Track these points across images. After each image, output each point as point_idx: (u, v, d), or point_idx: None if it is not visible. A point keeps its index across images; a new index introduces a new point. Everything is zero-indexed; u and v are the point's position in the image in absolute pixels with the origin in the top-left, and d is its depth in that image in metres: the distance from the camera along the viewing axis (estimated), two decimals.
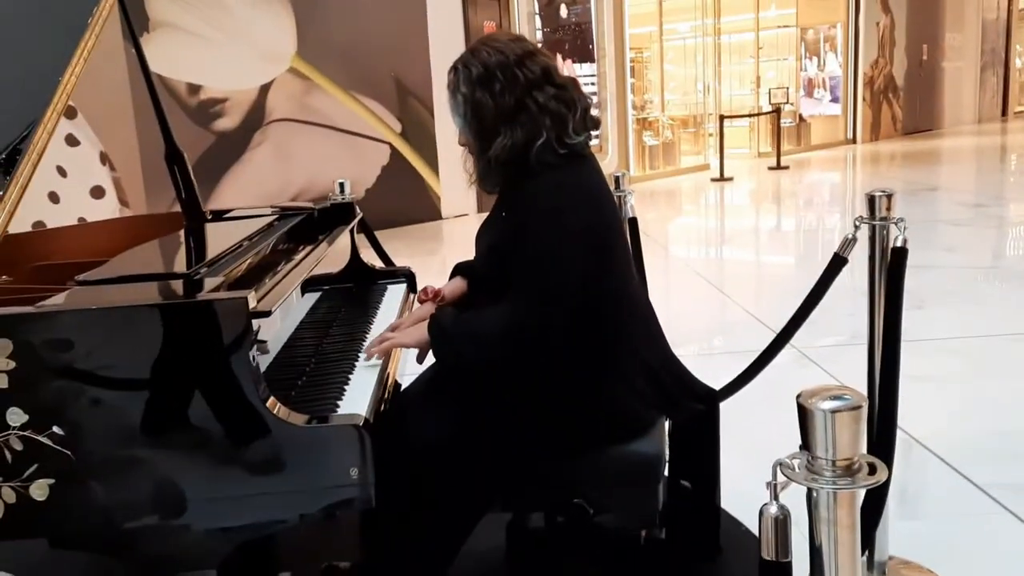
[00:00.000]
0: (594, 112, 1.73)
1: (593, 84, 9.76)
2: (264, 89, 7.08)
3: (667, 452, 1.76)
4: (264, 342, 1.45)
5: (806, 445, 1.04)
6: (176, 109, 6.43)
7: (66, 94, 1.60)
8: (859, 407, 1.01)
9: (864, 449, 1.07)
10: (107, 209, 5.38)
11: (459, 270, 1.92)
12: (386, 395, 1.63)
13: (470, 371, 1.66)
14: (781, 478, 1.07)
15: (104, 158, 5.24)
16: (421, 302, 1.86)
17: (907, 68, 14.88)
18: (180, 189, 2.27)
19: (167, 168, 2.26)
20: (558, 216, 1.59)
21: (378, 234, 2.92)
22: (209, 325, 1.32)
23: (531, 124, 1.62)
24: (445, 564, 1.65)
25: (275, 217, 2.17)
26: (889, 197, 1.83)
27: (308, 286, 1.88)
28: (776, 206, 9.04)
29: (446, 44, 7.29)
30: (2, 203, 1.44)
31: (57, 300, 1.41)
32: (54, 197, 4.99)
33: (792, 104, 12.85)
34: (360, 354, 1.78)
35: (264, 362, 1.45)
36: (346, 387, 1.60)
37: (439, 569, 1.65)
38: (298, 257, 1.87)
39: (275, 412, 1.33)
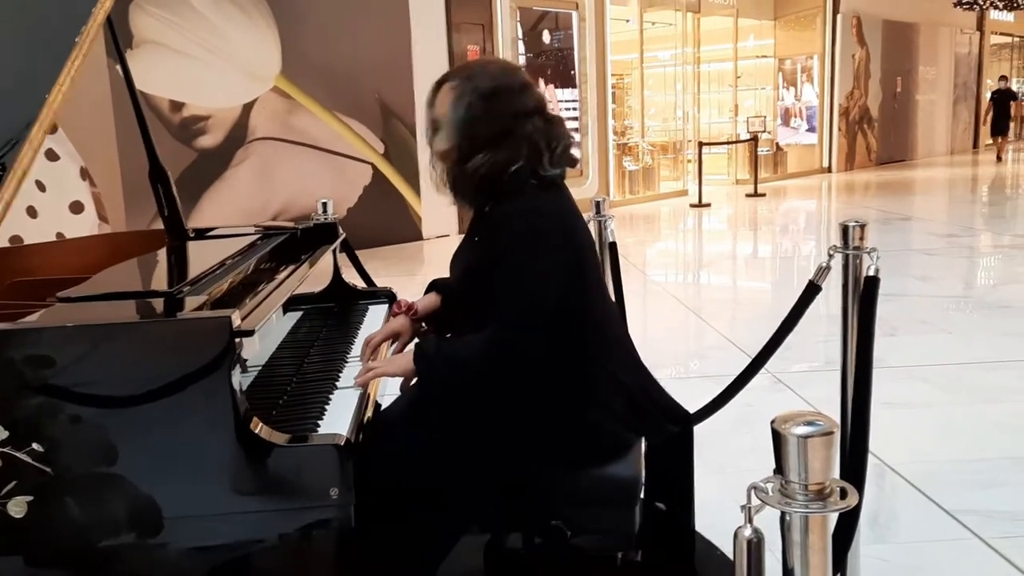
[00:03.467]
0: (574, 152, 1.77)
1: (575, 109, 9.85)
2: (247, 107, 7.08)
3: (643, 475, 1.78)
4: (245, 361, 1.46)
5: (780, 469, 1.07)
6: (158, 126, 6.42)
7: (52, 111, 1.60)
8: (831, 433, 1.04)
9: (836, 474, 1.09)
10: (86, 224, 5.34)
11: (434, 286, 1.95)
12: (367, 415, 1.64)
13: (451, 393, 1.67)
14: (755, 501, 1.09)
15: (84, 173, 5.21)
16: (395, 315, 1.89)
17: (882, 100, 15.16)
18: (163, 207, 2.27)
19: (151, 186, 2.26)
20: (533, 238, 1.63)
21: (359, 254, 2.93)
22: (193, 344, 1.33)
23: (511, 149, 1.66)
24: None
25: (258, 236, 2.18)
26: (862, 227, 1.87)
27: (290, 305, 1.89)
28: (753, 233, 9.14)
29: (430, 67, 7.35)
30: None
31: (38, 317, 1.41)
32: (32, 211, 4.95)
33: (769, 133, 13.02)
34: (340, 374, 1.79)
35: (245, 381, 1.46)
36: (327, 407, 1.61)
37: None
38: (281, 276, 1.88)
39: (256, 431, 1.34)
